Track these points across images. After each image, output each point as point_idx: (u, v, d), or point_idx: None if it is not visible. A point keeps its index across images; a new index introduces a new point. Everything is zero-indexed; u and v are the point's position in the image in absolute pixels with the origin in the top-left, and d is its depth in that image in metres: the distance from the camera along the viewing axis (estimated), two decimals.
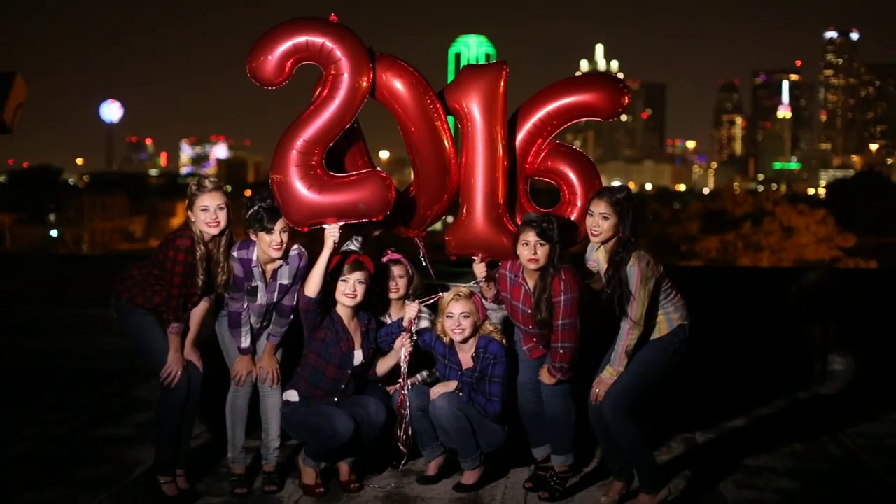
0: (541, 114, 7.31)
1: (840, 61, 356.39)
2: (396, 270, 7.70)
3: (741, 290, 10.78)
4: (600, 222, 6.74)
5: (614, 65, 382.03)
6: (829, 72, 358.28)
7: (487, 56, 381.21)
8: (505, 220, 7.13)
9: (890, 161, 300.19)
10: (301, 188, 6.66)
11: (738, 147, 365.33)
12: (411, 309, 7.30)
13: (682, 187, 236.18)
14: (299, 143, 6.65)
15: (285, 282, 7.12)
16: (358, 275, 7.11)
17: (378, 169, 7.09)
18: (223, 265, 7.02)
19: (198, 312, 7.12)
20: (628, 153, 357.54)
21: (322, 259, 6.89)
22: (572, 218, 7.29)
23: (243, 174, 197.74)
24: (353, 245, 7.48)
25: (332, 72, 6.66)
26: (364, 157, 7.38)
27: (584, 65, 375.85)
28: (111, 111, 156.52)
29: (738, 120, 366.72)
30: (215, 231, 6.88)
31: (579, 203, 7.30)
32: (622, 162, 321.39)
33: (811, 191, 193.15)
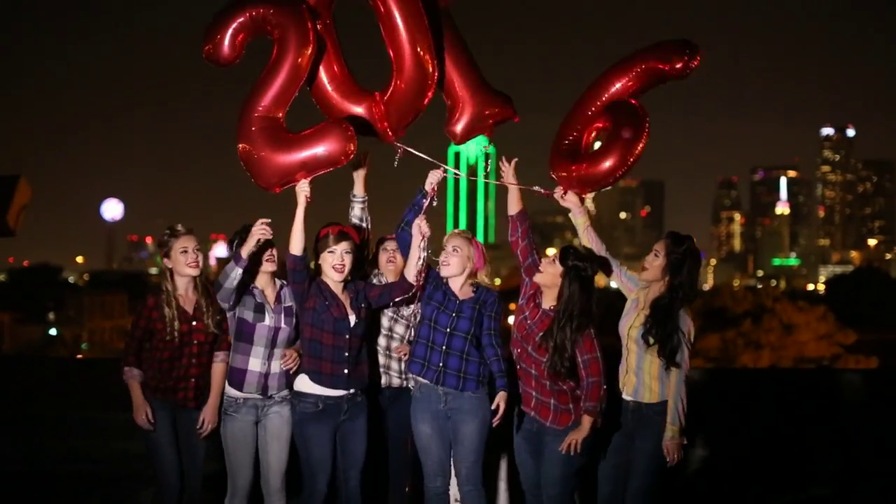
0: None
1: (837, 157, 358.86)
2: (390, 245, 7.73)
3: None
4: (652, 259, 6.85)
5: None
6: (826, 168, 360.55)
7: (487, 155, 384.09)
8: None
9: (888, 256, 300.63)
10: (267, 152, 6.74)
11: (737, 243, 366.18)
12: (434, 175, 7.40)
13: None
14: (259, 108, 6.76)
15: (290, 304, 7.19)
16: (344, 245, 7.15)
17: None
18: (208, 307, 7.19)
19: (217, 373, 7.21)
20: (628, 251, 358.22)
21: (298, 215, 6.93)
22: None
23: None
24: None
25: (276, 35, 6.82)
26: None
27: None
28: (112, 210, 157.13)
29: (737, 216, 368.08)
30: (195, 272, 7.15)
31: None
32: (622, 259, 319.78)
33: (811, 287, 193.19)
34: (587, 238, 7.44)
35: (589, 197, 7.58)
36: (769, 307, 64.76)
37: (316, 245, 7.19)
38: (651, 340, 6.82)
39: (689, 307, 7.00)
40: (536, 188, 7.74)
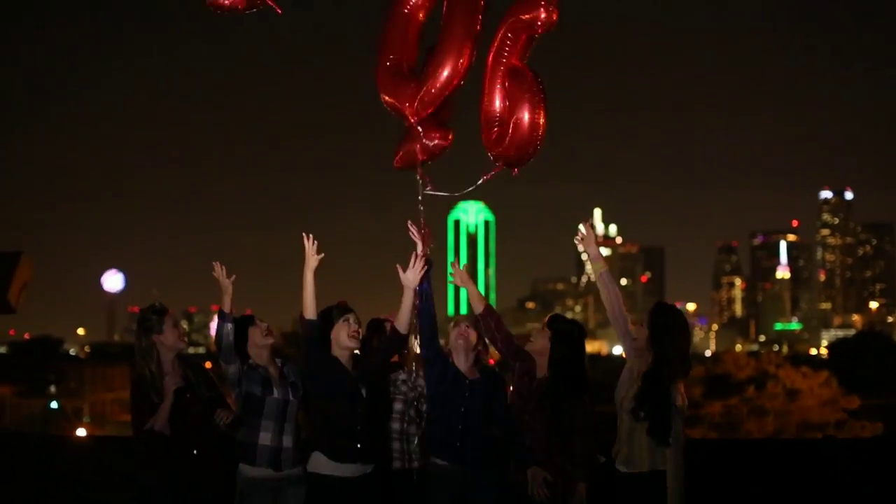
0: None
1: (836, 221, 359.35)
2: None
3: None
4: (638, 329, 6.84)
5: (612, 229, 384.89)
6: (825, 231, 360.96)
7: (487, 223, 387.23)
8: None
9: (890, 319, 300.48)
10: None
11: (738, 308, 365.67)
12: (414, 234, 7.57)
13: None
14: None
15: (294, 379, 7.21)
16: (352, 315, 7.26)
17: None
18: (198, 375, 7.27)
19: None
20: (632, 317, 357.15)
21: (307, 278, 7.14)
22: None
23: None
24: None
25: None
26: None
27: (583, 229, 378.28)
28: (113, 282, 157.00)
29: (738, 281, 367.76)
30: (183, 346, 7.36)
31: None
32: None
33: (813, 351, 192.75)
34: (601, 284, 7.43)
35: (604, 251, 7.68)
36: (772, 373, 64.46)
37: (323, 322, 7.21)
38: (642, 415, 6.78)
39: (684, 378, 6.92)
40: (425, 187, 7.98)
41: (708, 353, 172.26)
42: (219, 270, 7.30)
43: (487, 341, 7.54)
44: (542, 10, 7.67)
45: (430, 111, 7.88)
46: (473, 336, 7.45)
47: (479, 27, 7.85)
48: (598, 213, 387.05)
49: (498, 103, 7.91)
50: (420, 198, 7.92)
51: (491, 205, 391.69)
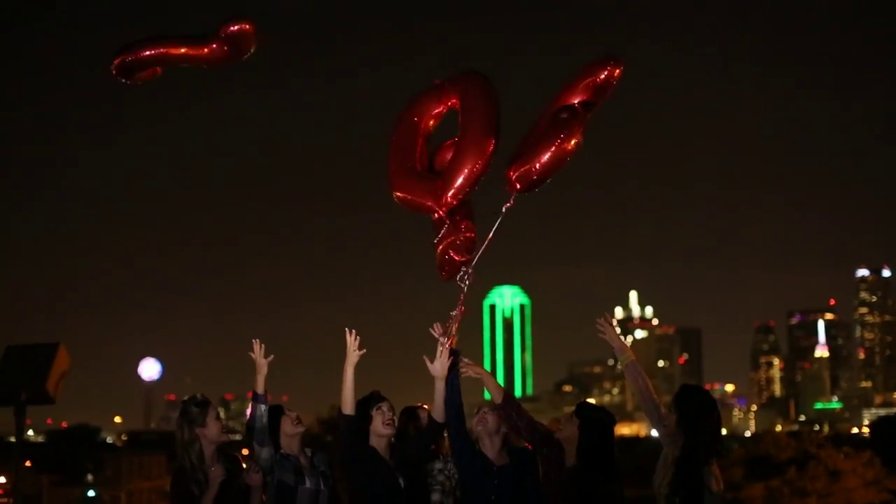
0: None
1: (874, 299, 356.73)
2: (421, 415, 7.73)
3: None
4: (667, 414, 6.78)
5: (648, 310, 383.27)
6: (863, 309, 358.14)
7: (522, 307, 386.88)
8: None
9: None
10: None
11: (777, 388, 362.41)
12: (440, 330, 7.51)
13: (723, 431, 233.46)
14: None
15: (324, 468, 7.18)
16: (386, 403, 7.27)
17: None
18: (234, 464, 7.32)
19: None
20: (667, 399, 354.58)
21: (347, 372, 7.13)
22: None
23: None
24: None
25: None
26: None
27: (619, 311, 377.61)
28: (150, 370, 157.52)
29: (776, 361, 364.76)
30: (226, 438, 7.38)
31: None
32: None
33: (855, 430, 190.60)
34: (629, 376, 7.39)
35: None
36: (813, 453, 63.75)
37: (360, 415, 7.23)
38: (677, 501, 6.71)
39: (718, 459, 6.86)
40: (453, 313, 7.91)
41: (748, 434, 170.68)
42: (257, 349, 7.33)
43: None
44: (614, 66, 8.18)
45: (455, 204, 8.11)
46: (493, 420, 7.41)
47: (496, 125, 8.21)
48: (633, 295, 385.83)
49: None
50: (461, 284, 8.01)
51: (526, 288, 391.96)
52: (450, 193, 8.03)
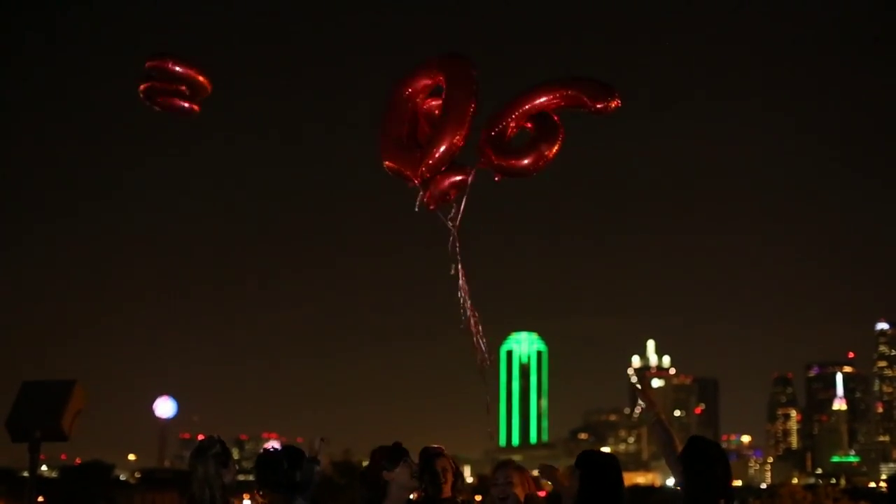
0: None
1: (893, 352, 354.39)
2: (440, 464, 7.52)
3: None
4: (675, 466, 6.70)
5: (666, 360, 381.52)
6: (882, 363, 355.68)
7: (539, 353, 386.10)
8: None
9: None
10: None
11: (794, 441, 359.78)
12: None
13: (738, 483, 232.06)
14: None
15: None
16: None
17: None
18: None
19: None
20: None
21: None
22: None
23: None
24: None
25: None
26: None
27: (637, 360, 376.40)
28: (165, 408, 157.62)
29: (793, 413, 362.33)
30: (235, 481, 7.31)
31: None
32: None
33: (872, 484, 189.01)
34: (654, 433, 7.29)
35: (658, 382, 7.67)
36: None
37: (377, 467, 7.16)
38: None
39: None
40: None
41: (763, 486, 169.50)
42: (317, 445, 7.38)
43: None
44: (614, 100, 8.86)
45: (429, 176, 9.05)
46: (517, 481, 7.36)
47: (473, 108, 9.06)
48: (651, 344, 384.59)
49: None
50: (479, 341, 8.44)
51: (543, 335, 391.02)
52: (426, 166, 8.95)
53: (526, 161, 8.92)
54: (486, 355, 8.76)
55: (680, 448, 6.98)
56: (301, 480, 7.19)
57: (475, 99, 9.05)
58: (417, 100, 9.42)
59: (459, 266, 8.96)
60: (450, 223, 9.08)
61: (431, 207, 9.17)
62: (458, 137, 8.95)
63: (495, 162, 9.01)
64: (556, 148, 8.96)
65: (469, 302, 8.90)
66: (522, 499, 7.25)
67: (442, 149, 8.91)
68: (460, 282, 8.93)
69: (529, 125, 9.14)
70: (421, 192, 9.10)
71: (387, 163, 9.24)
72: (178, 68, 10.12)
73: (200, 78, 10.38)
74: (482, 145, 9.11)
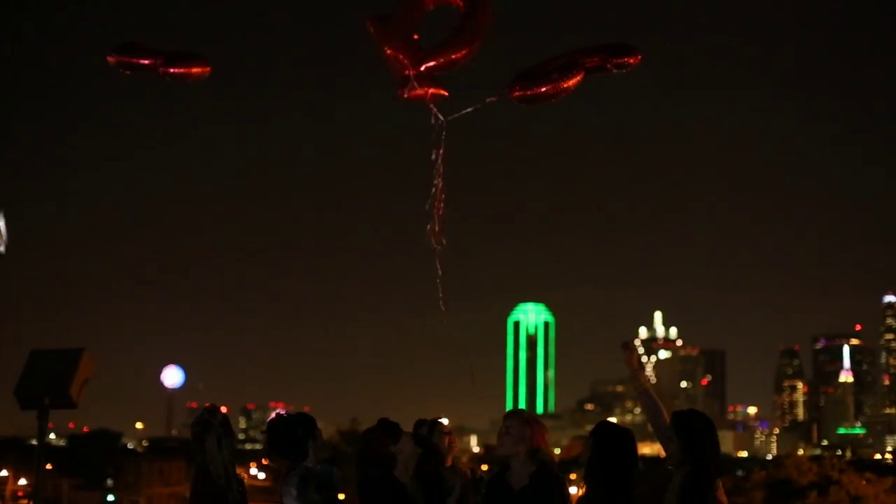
0: None
1: None
2: (443, 430, 7.61)
3: None
4: (668, 443, 6.65)
5: (673, 331, 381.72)
6: (889, 336, 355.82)
7: (546, 324, 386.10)
8: None
9: None
10: None
11: (800, 412, 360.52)
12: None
13: (744, 454, 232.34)
14: None
15: None
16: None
17: None
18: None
19: None
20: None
21: None
22: None
23: None
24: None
25: None
26: None
27: (643, 331, 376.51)
28: (173, 377, 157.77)
29: (800, 385, 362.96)
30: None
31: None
32: None
33: (877, 456, 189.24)
34: (642, 403, 7.23)
35: (649, 369, 7.62)
36: (835, 478, 63.44)
37: (381, 445, 7.16)
38: None
39: (720, 479, 6.73)
40: None
41: (769, 457, 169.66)
42: None
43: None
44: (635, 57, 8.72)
45: (424, 72, 8.86)
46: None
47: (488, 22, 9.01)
48: (658, 315, 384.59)
49: None
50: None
51: (551, 306, 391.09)
52: (430, 63, 8.82)
53: (544, 88, 8.75)
54: (441, 234, 8.49)
55: (668, 419, 6.94)
56: (312, 447, 7.19)
57: (492, 13, 8.95)
58: (428, 2, 9.28)
59: (441, 152, 8.83)
60: (441, 117, 8.93)
61: (411, 94, 9.03)
62: (466, 51, 8.86)
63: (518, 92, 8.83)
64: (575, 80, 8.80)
65: (441, 183, 8.68)
66: (525, 452, 7.02)
67: (447, 56, 8.86)
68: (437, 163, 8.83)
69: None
70: (413, 82, 8.91)
71: (386, 49, 9.05)
72: (171, 71, 9.23)
73: (195, 70, 9.43)
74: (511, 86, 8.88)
